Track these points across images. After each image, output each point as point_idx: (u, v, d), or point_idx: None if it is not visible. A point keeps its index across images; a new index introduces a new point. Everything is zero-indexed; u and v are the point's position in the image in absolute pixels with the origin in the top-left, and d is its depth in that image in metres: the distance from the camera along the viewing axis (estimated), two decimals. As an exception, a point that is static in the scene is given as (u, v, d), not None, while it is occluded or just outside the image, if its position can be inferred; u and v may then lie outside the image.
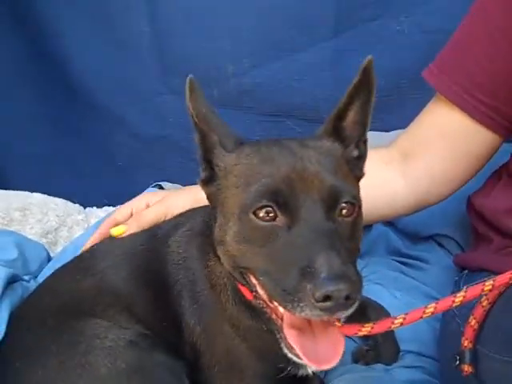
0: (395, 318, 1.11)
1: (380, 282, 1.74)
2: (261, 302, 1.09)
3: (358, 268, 1.02)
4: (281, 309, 1.03)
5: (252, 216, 1.01)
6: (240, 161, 1.11)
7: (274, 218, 1.01)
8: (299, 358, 1.00)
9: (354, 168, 1.19)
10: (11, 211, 1.92)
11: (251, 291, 1.11)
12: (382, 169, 1.60)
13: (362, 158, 1.22)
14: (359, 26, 2.25)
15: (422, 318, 1.10)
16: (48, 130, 2.59)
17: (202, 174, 1.18)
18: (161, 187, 2.08)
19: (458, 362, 1.23)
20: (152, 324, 1.30)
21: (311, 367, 1.00)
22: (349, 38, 2.27)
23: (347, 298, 0.89)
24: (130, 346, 1.20)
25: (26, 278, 1.53)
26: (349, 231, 1.05)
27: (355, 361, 1.49)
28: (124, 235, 1.46)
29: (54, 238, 1.98)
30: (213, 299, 1.27)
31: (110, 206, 2.33)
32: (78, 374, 1.15)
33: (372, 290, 1.67)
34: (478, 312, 1.23)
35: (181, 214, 1.48)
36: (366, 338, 1.55)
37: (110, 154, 2.55)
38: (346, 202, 1.04)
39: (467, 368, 1.20)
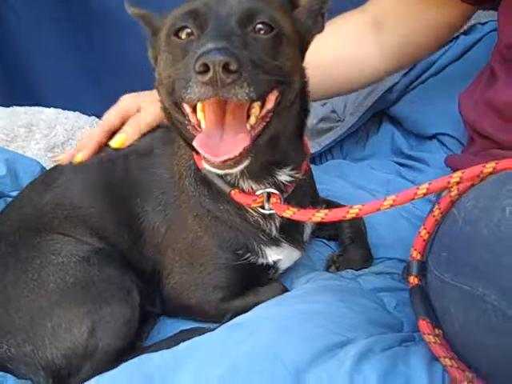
0: (351, 208, 1.10)
1: (368, 187, 1.70)
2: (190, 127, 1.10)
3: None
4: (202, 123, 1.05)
5: (174, 38, 1.09)
6: (173, 11, 1.16)
7: (190, 36, 1.07)
8: (202, 155, 1.02)
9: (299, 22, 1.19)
10: (16, 128, 1.98)
11: (187, 125, 1.12)
12: (355, 39, 1.61)
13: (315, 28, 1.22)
14: None
15: (379, 209, 1.09)
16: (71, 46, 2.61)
17: (151, 40, 1.25)
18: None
19: (406, 273, 1.19)
20: (109, 234, 1.36)
21: (213, 163, 1.01)
22: None
23: (228, 70, 0.91)
24: (82, 262, 1.26)
25: (15, 193, 1.59)
26: (265, 48, 1.05)
27: (327, 267, 1.49)
28: (126, 144, 1.44)
29: (61, 152, 2.03)
30: (178, 192, 1.33)
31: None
32: (31, 288, 1.22)
33: (357, 196, 1.64)
34: (429, 222, 1.16)
35: None
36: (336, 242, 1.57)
37: (124, 63, 2.54)
38: (262, 23, 1.06)
39: (413, 279, 1.16)
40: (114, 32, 2.48)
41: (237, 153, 1.00)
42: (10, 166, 1.67)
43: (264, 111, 1.06)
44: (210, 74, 0.91)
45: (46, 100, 2.46)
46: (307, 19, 1.20)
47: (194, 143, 1.03)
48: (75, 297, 1.21)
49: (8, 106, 2.30)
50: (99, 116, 2.41)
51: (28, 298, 1.20)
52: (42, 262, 1.25)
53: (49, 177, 1.46)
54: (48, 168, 1.81)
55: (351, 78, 1.64)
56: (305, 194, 1.35)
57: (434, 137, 1.83)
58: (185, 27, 1.07)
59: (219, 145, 1.01)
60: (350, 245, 1.49)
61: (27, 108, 2.19)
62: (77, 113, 2.31)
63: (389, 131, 1.95)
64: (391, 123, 1.96)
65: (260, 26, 1.05)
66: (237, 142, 1.01)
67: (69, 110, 2.34)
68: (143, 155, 1.39)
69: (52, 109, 2.24)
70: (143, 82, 2.21)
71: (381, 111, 1.98)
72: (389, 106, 1.95)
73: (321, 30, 1.23)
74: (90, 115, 2.37)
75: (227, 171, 1.04)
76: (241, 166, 1.02)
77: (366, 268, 1.46)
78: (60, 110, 2.25)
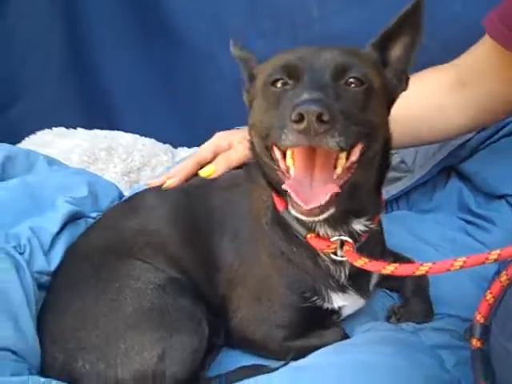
0: (421, 265, 1.13)
1: (433, 241, 1.72)
2: (280, 172, 1.17)
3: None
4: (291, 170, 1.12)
5: (270, 86, 1.17)
6: (269, 60, 1.26)
7: (285, 85, 1.15)
8: (294, 200, 1.07)
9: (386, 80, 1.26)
10: (96, 151, 2.09)
11: (276, 170, 1.19)
12: (440, 95, 1.66)
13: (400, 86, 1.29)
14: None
15: (449, 270, 1.11)
16: (148, 75, 2.73)
17: (247, 85, 1.34)
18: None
19: (468, 334, 1.21)
20: (186, 268, 1.42)
21: (301, 210, 1.07)
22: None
23: (321, 120, 0.97)
24: (158, 290, 1.33)
25: (94, 214, 1.68)
26: (355, 101, 1.12)
27: (387, 317, 1.52)
28: (214, 175, 1.56)
29: (136, 177, 2.13)
30: (254, 227, 1.40)
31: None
32: (109, 309, 1.30)
33: (420, 250, 1.67)
34: (496, 287, 1.18)
35: None
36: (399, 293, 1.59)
37: (202, 96, 2.63)
38: (354, 77, 1.12)
39: (475, 342, 1.18)
40: (197, 66, 2.59)
41: (326, 199, 1.05)
42: (92, 187, 1.75)
43: (349, 162, 1.11)
44: (305, 123, 0.98)
45: (124, 123, 2.59)
46: (393, 77, 1.27)
47: (286, 187, 1.08)
48: (150, 322, 1.27)
49: (89, 128, 2.43)
50: (173, 144, 2.53)
51: (106, 318, 1.28)
52: (120, 286, 1.32)
53: (133, 202, 1.56)
54: (124, 191, 1.90)
55: (434, 130, 1.70)
56: (376, 245, 1.40)
57: (502, 196, 1.84)
58: (281, 79, 1.15)
59: (309, 192, 1.07)
60: (411, 298, 1.51)
61: (107, 132, 2.32)
62: (153, 140, 2.43)
63: (457, 187, 1.96)
64: (460, 179, 1.98)
65: (352, 79, 1.12)
66: (326, 191, 1.07)
67: (145, 135, 2.45)
68: (225, 190, 1.48)
69: (130, 134, 2.35)
70: (219, 117, 2.31)
71: (450, 166, 2.01)
72: (459, 161, 1.96)
73: (405, 88, 1.30)
74: (164, 143, 2.47)
75: (313, 218, 1.09)
76: (326, 214, 1.08)
77: (426, 322, 1.48)
78: (138, 136, 2.36)
